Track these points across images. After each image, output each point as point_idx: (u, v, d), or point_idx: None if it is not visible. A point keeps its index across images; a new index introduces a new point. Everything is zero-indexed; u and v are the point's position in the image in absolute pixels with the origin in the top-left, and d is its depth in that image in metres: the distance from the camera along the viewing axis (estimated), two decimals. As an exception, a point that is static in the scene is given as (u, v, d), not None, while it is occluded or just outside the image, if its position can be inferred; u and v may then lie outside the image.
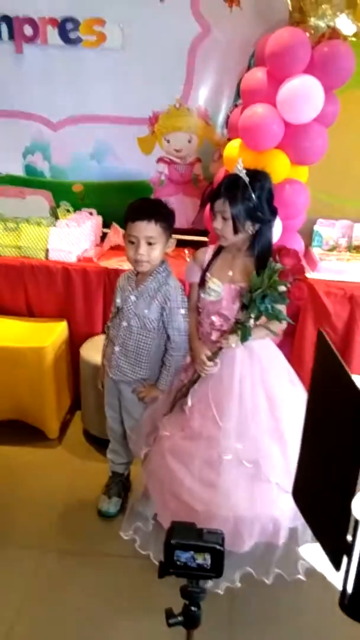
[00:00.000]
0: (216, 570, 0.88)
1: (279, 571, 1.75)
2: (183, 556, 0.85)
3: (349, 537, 0.81)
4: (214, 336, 1.82)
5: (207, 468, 1.68)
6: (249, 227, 1.76)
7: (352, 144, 2.65)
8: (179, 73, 2.65)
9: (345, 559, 0.82)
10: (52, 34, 2.62)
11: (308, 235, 2.69)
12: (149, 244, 1.78)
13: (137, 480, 2.16)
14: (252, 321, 1.70)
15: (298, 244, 2.50)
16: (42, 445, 2.50)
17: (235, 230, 1.73)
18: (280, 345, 2.43)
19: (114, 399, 2.05)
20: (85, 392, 2.51)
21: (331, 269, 2.50)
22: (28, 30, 2.64)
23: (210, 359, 1.77)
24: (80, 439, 2.57)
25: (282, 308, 1.72)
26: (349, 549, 0.81)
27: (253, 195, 1.72)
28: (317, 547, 0.88)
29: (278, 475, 1.68)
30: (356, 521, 0.79)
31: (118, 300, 1.95)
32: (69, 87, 2.72)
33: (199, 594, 0.96)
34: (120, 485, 2.15)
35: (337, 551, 0.82)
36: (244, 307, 1.71)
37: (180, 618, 0.99)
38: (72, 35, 2.62)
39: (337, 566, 0.82)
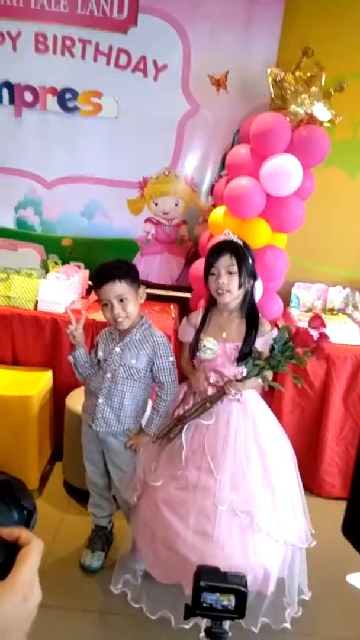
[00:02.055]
0: (239, 611, 0.94)
1: (266, 620, 1.81)
2: (209, 598, 0.91)
3: None
4: (210, 392, 1.91)
5: (203, 518, 1.73)
6: (248, 282, 1.91)
7: (327, 215, 2.90)
8: (168, 144, 2.87)
9: None
10: (52, 101, 2.82)
11: (286, 297, 2.88)
12: (121, 300, 1.86)
13: (120, 532, 2.16)
14: (266, 371, 1.82)
15: (277, 305, 2.67)
16: (21, 497, 2.47)
17: (240, 284, 1.87)
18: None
19: (95, 453, 2.06)
20: (68, 443, 2.52)
21: (308, 329, 2.66)
22: (28, 96, 2.83)
23: (211, 400, 1.85)
24: (60, 491, 2.56)
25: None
26: None
27: (248, 256, 1.90)
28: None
29: (269, 526, 1.75)
30: None
31: (100, 353, 2.00)
32: (64, 150, 2.90)
33: (222, 635, 1.01)
34: (103, 538, 2.14)
35: None
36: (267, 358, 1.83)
37: None
38: (70, 104, 2.82)
39: None
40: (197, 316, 2.02)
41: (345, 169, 2.90)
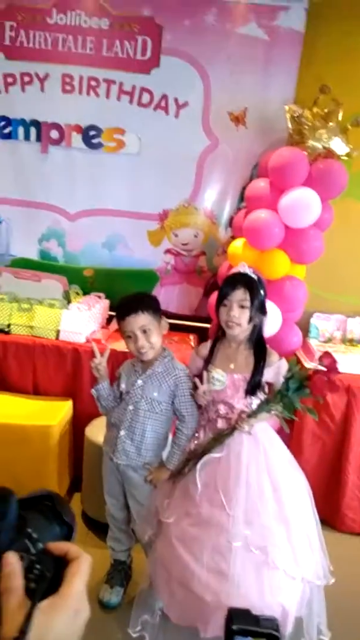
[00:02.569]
0: None
1: None
2: None
3: None
4: (220, 424, 1.89)
5: (217, 556, 1.68)
6: (257, 318, 1.91)
7: (345, 246, 2.91)
8: (188, 177, 2.94)
9: None
10: (76, 138, 2.93)
11: (305, 327, 2.88)
12: (144, 332, 1.87)
13: (139, 566, 2.13)
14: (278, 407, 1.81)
15: (296, 335, 2.67)
16: (39, 528, 2.45)
17: (250, 318, 1.87)
18: (279, 432, 2.52)
19: (116, 486, 2.05)
20: (87, 473, 2.51)
21: (328, 360, 2.64)
22: (54, 134, 2.94)
23: (223, 436, 1.84)
24: (78, 523, 2.52)
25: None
26: None
27: (261, 291, 1.90)
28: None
29: (285, 562, 1.69)
30: None
31: (123, 385, 1.99)
32: (87, 184, 3.00)
33: None
34: (122, 573, 2.10)
35: None
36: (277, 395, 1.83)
37: None
38: (94, 141, 2.92)
39: None
40: (205, 348, 2.00)
41: (362, 201, 2.93)
